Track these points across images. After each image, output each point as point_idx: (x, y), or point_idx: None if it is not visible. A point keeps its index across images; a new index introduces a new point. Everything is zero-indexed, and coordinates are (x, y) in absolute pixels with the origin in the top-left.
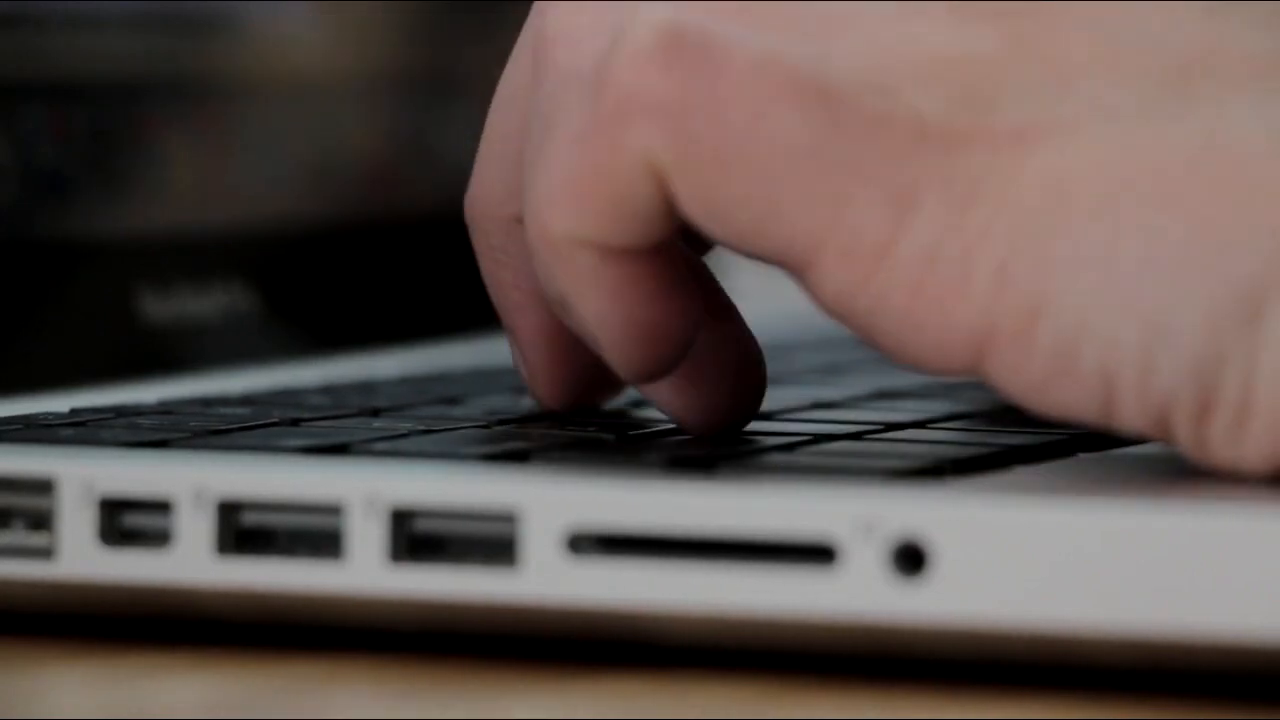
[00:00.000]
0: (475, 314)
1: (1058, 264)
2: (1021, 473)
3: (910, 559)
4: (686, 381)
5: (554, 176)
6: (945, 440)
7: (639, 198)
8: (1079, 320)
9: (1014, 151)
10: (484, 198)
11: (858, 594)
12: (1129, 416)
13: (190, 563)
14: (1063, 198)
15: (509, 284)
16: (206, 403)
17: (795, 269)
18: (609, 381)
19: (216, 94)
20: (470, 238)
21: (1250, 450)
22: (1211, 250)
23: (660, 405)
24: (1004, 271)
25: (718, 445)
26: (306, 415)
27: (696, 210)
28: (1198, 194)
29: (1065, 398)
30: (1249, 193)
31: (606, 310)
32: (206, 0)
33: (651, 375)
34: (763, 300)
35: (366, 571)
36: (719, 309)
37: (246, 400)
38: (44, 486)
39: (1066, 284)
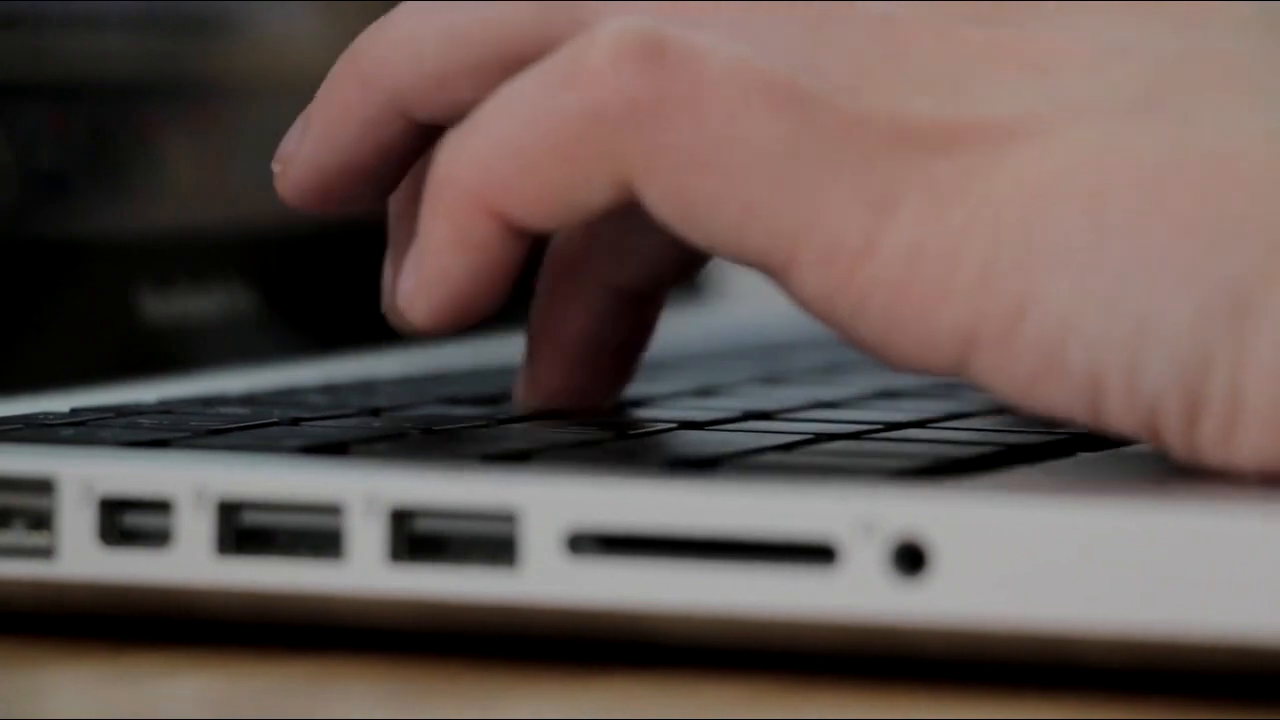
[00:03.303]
0: None
1: (1041, 262)
2: (1021, 473)
3: (910, 559)
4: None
5: (505, 138)
6: (945, 440)
7: (587, 194)
8: (1064, 319)
9: (995, 150)
10: (409, 60)
11: (858, 594)
12: (1117, 417)
13: (190, 563)
14: (1045, 196)
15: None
16: (206, 402)
17: (774, 271)
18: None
19: (216, 94)
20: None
21: (1241, 452)
22: (1197, 249)
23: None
24: (987, 270)
25: (718, 445)
26: (306, 415)
27: (671, 214)
28: (1181, 191)
29: (1052, 397)
30: (1234, 191)
31: (450, 266)
32: (206, 0)
33: (429, 331)
34: (763, 300)
35: (366, 571)
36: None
37: (246, 400)
38: (44, 486)
39: (1050, 283)
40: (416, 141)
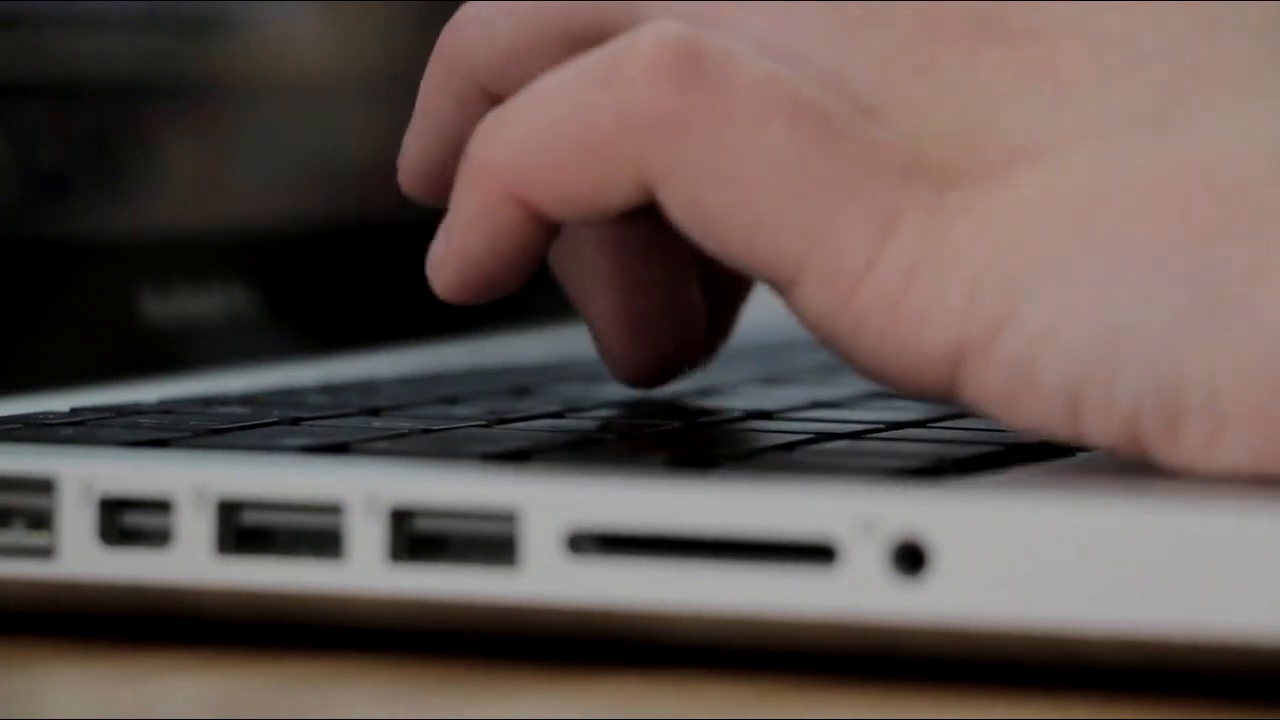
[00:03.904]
0: (475, 314)
1: (1024, 277)
2: (1021, 473)
3: (910, 559)
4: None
5: (536, 130)
6: (945, 440)
7: (609, 194)
8: (1039, 333)
9: (1003, 176)
10: (483, 40)
11: (857, 594)
12: (1098, 431)
13: (190, 562)
14: (1035, 213)
15: (575, 271)
16: (206, 402)
17: (781, 286)
18: (688, 356)
19: (216, 94)
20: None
21: (1225, 458)
22: (1177, 258)
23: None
24: (974, 288)
25: (718, 445)
26: (306, 415)
27: (687, 222)
28: (1166, 202)
29: (1031, 412)
30: (1216, 196)
31: (473, 242)
32: (206, 0)
33: (452, 300)
34: (763, 300)
35: (366, 571)
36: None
37: (246, 400)
38: (44, 486)
39: (1030, 297)
40: None
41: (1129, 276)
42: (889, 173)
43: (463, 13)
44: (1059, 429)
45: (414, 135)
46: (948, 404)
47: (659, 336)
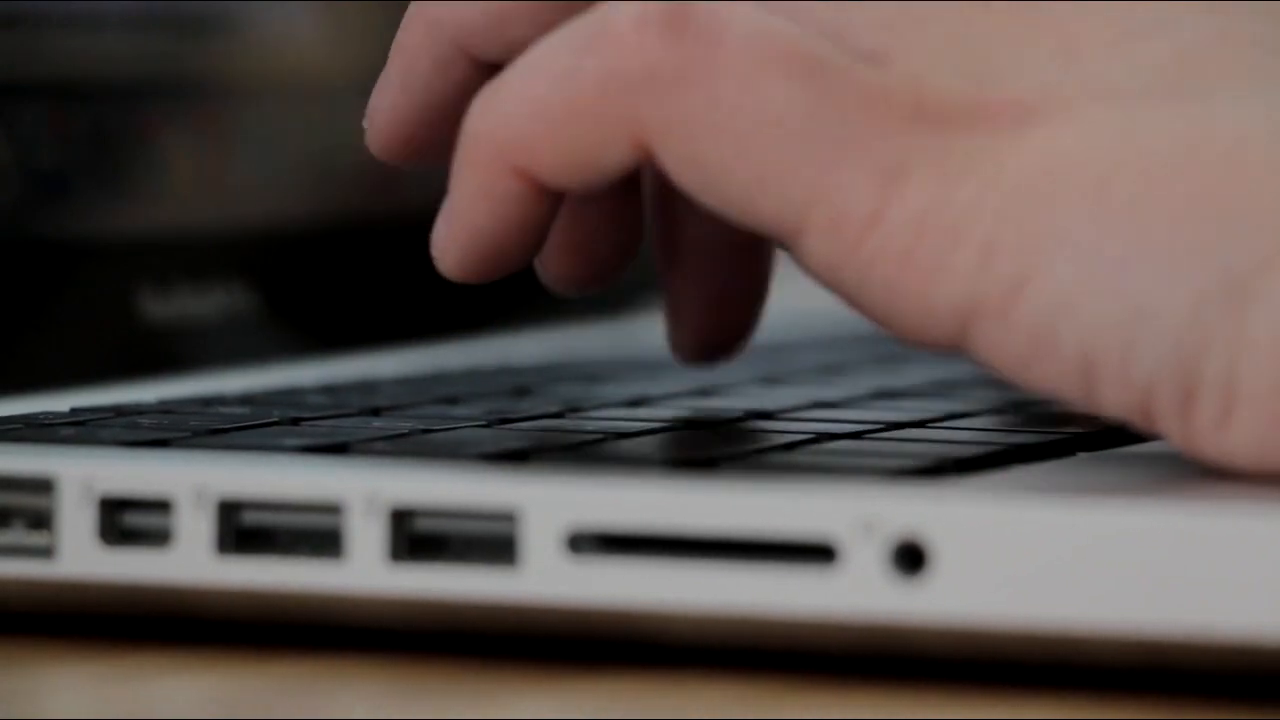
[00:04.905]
0: (475, 314)
1: (1043, 242)
2: (1021, 472)
3: (910, 558)
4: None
5: (530, 98)
6: (945, 440)
7: (607, 156)
8: (1061, 299)
9: (1011, 129)
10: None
11: (858, 593)
12: (1111, 400)
13: (190, 562)
14: (1054, 177)
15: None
16: (206, 402)
17: (785, 238)
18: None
19: (216, 94)
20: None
21: (1237, 441)
22: (1199, 237)
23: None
24: (990, 246)
25: (718, 445)
26: (306, 415)
27: (687, 179)
28: (1189, 179)
29: (1046, 376)
30: (1240, 179)
31: (477, 218)
32: (206, 0)
33: (461, 279)
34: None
35: (366, 571)
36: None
37: (246, 400)
38: (44, 486)
39: (1050, 262)
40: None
41: (1152, 255)
42: (892, 119)
43: None
44: (1072, 394)
45: (385, 93)
46: (955, 354)
47: (728, 307)
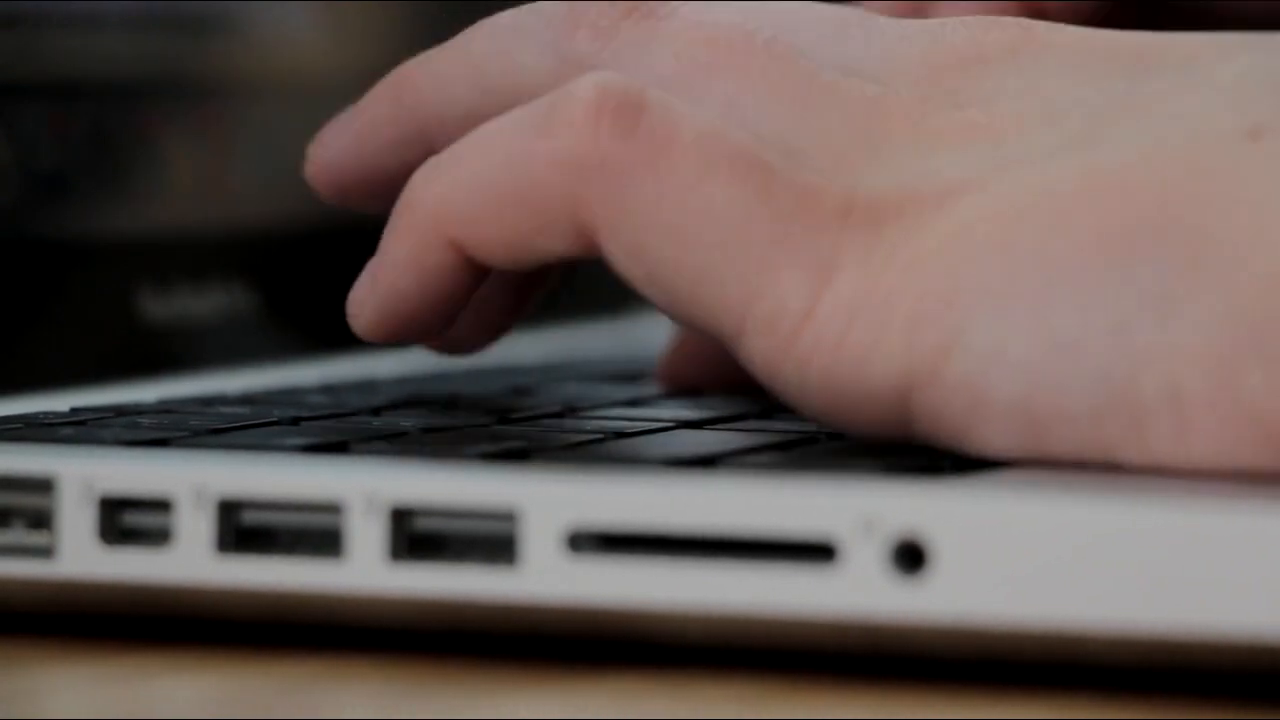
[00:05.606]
0: None
1: (962, 300)
2: (1021, 472)
3: (910, 557)
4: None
5: (475, 174)
6: None
7: (547, 240)
8: (987, 351)
9: (934, 211)
10: (443, 101)
11: (857, 592)
12: (1061, 444)
13: (190, 562)
14: (964, 239)
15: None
16: (206, 402)
17: (727, 339)
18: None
19: (216, 94)
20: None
21: (1201, 450)
22: (1108, 260)
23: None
24: (916, 319)
25: (718, 444)
26: (306, 414)
27: (632, 271)
28: (1087, 214)
29: (993, 434)
30: (1138, 200)
31: (402, 283)
32: (206, 0)
33: (369, 339)
34: None
35: (366, 570)
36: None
37: (246, 399)
38: (44, 486)
39: (971, 319)
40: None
41: (1065, 288)
42: (825, 217)
43: (429, 60)
44: (1022, 449)
45: (339, 137)
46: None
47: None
